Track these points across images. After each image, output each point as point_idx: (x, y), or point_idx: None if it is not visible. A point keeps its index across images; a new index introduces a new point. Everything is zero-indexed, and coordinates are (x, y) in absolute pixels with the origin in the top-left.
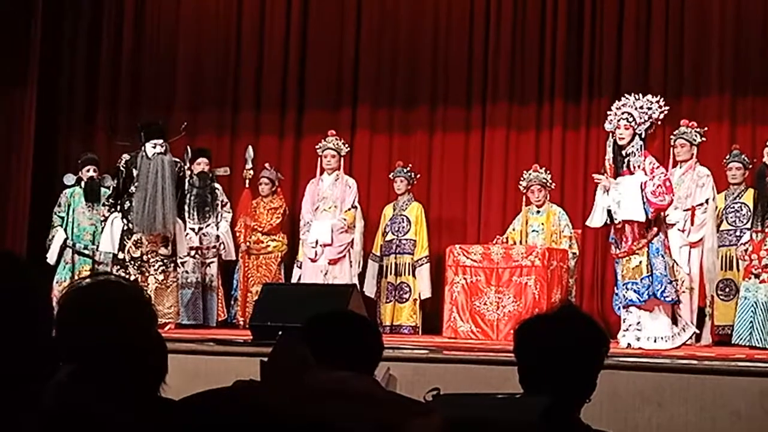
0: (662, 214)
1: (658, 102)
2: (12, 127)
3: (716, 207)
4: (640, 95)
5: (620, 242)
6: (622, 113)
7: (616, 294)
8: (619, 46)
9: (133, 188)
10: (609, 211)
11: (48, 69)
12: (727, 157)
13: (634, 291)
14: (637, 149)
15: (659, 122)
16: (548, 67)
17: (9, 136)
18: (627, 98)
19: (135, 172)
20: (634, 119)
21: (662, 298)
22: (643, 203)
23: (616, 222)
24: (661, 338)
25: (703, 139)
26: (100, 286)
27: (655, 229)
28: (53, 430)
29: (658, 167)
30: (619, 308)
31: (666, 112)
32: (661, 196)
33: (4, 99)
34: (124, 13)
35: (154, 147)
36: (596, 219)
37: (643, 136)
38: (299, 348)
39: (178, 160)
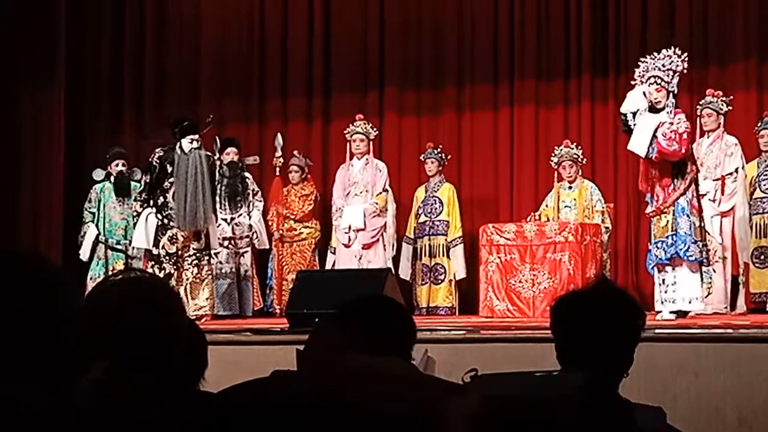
0: (694, 177)
1: (676, 53)
2: (42, 125)
3: (746, 175)
4: (655, 54)
5: (653, 201)
6: (648, 77)
7: (650, 252)
8: (644, 18)
9: (167, 184)
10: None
11: (73, 65)
12: (758, 124)
13: (663, 249)
14: (671, 105)
15: (683, 73)
16: (574, 41)
17: (39, 135)
18: (646, 61)
19: (170, 168)
20: (662, 78)
21: (685, 257)
22: (651, 141)
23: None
24: (696, 299)
25: (730, 107)
26: (127, 282)
27: (682, 187)
28: (92, 427)
29: (684, 120)
30: (652, 268)
31: (686, 60)
32: (670, 141)
33: (34, 99)
34: (146, 6)
35: (191, 143)
36: (641, 144)
37: (675, 92)
38: (335, 334)
39: (210, 153)
